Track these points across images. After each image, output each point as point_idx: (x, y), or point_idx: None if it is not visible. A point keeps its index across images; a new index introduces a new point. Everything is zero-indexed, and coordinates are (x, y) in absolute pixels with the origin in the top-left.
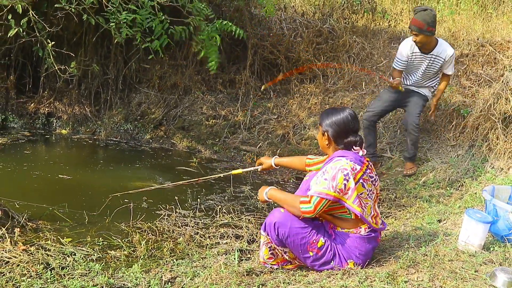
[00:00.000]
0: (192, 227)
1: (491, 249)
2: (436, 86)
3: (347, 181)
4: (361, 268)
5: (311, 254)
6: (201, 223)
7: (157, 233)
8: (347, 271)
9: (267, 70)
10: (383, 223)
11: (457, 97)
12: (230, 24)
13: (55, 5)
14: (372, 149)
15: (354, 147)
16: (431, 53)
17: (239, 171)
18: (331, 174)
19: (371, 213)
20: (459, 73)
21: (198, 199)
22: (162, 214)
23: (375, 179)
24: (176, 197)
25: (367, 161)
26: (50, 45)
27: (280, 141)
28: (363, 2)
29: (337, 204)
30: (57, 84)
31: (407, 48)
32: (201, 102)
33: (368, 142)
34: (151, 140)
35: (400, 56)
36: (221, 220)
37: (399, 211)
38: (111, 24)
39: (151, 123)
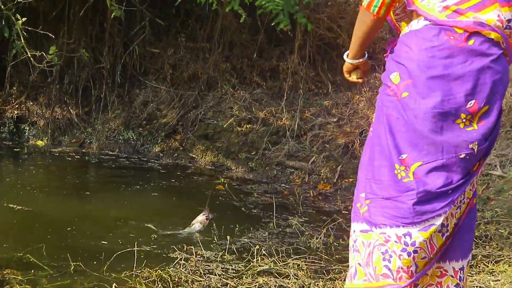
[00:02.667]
0: (220, 275)
1: None
2: None
3: None
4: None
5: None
6: (232, 269)
7: (171, 285)
8: None
9: (323, 55)
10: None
11: None
12: None
13: None
14: None
15: None
16: None
17: None
18: None
19: None
20: None
21: (228, 237)
22: (177, 257)
23: None
24: (196, 234)
25: None
26: (20, 22)
27: (341, 154)
28: None
29: None
30: (30, 77)
31: None
32: (231, 100)
33: None
34: (161, 154)
35: None
36: (260, 265)
37: None
38: None
39: (161, 130)
